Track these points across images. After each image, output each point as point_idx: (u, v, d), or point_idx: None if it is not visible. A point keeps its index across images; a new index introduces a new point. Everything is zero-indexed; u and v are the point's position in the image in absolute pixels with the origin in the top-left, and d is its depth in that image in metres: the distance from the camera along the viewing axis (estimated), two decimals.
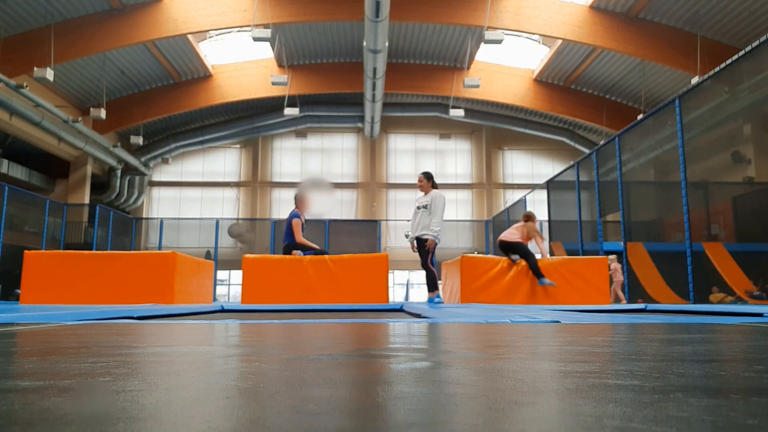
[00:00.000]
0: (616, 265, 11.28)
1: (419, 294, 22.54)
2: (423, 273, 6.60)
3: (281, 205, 23.64)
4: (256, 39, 14.34)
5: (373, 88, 17.66)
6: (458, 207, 24.25)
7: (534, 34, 17.08)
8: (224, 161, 24.33)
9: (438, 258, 6.96)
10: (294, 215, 6.82)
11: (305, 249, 6.69)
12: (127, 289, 6.32)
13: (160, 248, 19.35)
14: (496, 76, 20.22)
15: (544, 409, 0.55)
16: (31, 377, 0.74)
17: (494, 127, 23.25)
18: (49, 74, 13.99)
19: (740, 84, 11.14)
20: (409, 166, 24.49)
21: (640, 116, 14.44)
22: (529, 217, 7.33)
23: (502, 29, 15.44)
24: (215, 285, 16.17)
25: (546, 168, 23.29)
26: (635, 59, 17.24)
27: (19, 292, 6.99)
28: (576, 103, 20.53)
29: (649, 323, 2.16)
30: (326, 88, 20.28)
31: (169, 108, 20.42)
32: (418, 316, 3.74)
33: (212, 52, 19.29)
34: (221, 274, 21.63)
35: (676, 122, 8.69)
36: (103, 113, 17.10)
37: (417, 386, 0.67)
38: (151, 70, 19.16)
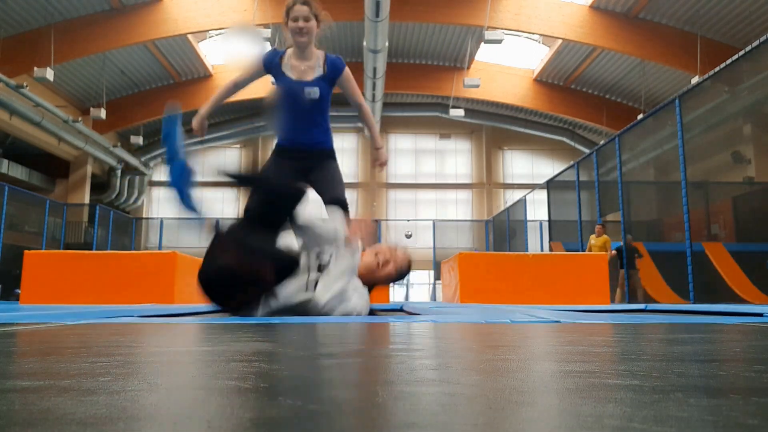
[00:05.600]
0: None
1: (419, 294, 22.54)
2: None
3: None
4: None
5: (373, 88, 17.66)
6: (458, 207, 24.25)
7: (534, 34, 17.08)
8: (224, 161, 24.33)
9: (438, 258, 6.95)
10: None
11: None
12: (127, 289, 6.32)
13: (160, 248, 19.34)
14: (496, 76, 20.22)
15: (544, 409, 0.55)
16: (31, 377, 0.75)
17: (494, 127, 23.26)
18: (49, 74, 14.00)
19: (740, 84, 11.14)
20: (409, 166, 24.49)
21: (640, 116, 14.44)
22: None
23: (502, 29, 15.44)
24: None
25: (546, 168, 23.29)
26: (635, 59, 17.25)
27: (19, 292, 6.99)
28: (576, 103, 20.53)
29: (649, 323, 2.16)
30: None
31: None
32: (418, 316, 3.74)
33: (212, 52, 19.29)
34: None
35: (676, 122, 8.69)
36: (103, 113, 17.10)
37: (417, 386, 0.67)
38: (151, 70, 19.16)
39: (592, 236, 11.08)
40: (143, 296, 6.21)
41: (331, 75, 3.08)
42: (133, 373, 0.80)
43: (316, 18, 3.00)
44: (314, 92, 3.03)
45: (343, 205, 2.97)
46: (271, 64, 3.09)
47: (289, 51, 3.10)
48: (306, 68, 3.05)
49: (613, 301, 9.26)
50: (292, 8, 2.98)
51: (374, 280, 2.69)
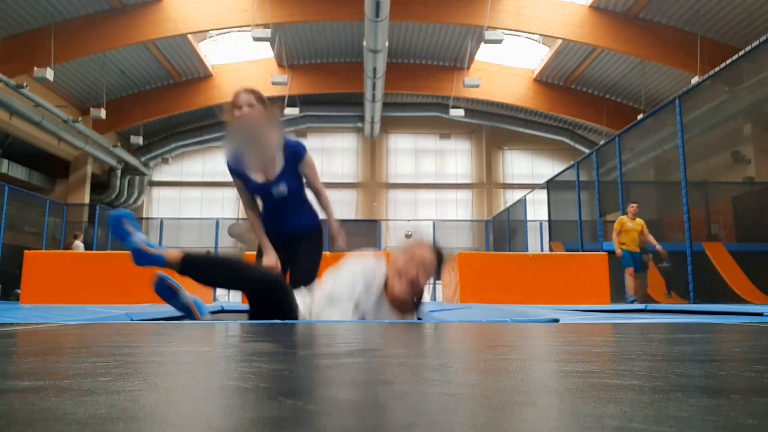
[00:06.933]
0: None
1: None
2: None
3: None
4: (256, 39, 14.36)
5: (373, 88, 17.66)
6: (458, 207, 24.24)
7: (534, 34, 17.08)
8: (224, 161, 24.31)
9: None
10: None
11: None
12: (127, 289, 6.32)
13: None
14: (496, 75, 20.22)
15: (544, 409, 0.55)
16: (31, 377, 0.75)
17: (494, 127, 23.26)
18: (49, 74, 14.00)
19: (740, 84, 11.14)
20: (409, 166, 24.49)
21: (640, 116, 14.44)
22: None
23: (502, 29, 15.44)
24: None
25: (546, 168, 23.29)
26: (635, 59, 17.24)
27: (19, 292, 7.00)
28: (576, 103, 20.53)
29: (649, 323, 2.16)
30: (326, 88, 20.28)
31: (169, 108, 20.42)
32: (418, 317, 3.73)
33: (212, 52, 19.29)
34: None
35: (676, 122, 8.69)
36: (103, 113, 17.10)
37: (417, 386, 0.67)
38: (151, 70, 19.16)
39: (624, 218, 8.95)
40: (143, 296, 6.21)
41: (293, 165, 2.90)
42: (133, 373, 0.80)
43: (263, 104, 2.83)
44: (282, 190, 2.90)
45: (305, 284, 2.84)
46: (237, 169, 2.96)
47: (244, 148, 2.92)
48: (267, 164, 2.89)
49: (628, 292, 8.73)
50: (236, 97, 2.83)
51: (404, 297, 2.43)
